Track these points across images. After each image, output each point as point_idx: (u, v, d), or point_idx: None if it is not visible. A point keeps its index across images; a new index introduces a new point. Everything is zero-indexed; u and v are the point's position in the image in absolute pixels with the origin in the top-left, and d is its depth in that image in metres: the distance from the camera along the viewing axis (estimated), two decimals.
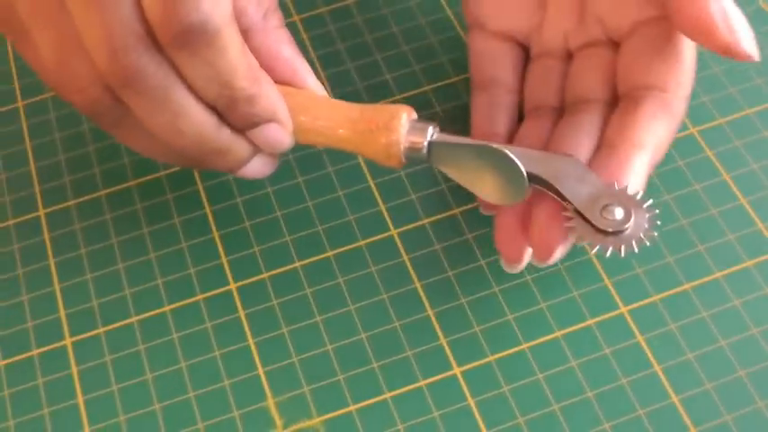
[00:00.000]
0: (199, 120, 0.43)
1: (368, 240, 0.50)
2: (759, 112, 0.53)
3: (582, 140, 0.46)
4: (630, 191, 0.44)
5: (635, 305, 0.47)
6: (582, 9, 0.49)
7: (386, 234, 0.50)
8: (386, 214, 0.50)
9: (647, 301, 0.47)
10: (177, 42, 0.40)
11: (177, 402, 0.46)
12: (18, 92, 0.56)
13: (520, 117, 0.50)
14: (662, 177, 0.50)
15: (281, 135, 0.45)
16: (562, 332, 0.46)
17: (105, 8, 0.40)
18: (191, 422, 0.45)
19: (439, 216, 0.50)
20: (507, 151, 0.43)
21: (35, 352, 0.47)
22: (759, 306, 0.47)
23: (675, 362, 0.45)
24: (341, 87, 0.55)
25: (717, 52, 0.43)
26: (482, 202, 0.47)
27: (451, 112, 0.53)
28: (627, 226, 0.43)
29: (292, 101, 0.45)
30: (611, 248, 0.43)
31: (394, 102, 0.54)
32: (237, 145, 0.45)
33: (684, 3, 0.44)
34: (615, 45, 0.49)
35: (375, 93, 0.54)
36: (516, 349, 0.46)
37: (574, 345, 0.46)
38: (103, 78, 0.42)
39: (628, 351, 0.46)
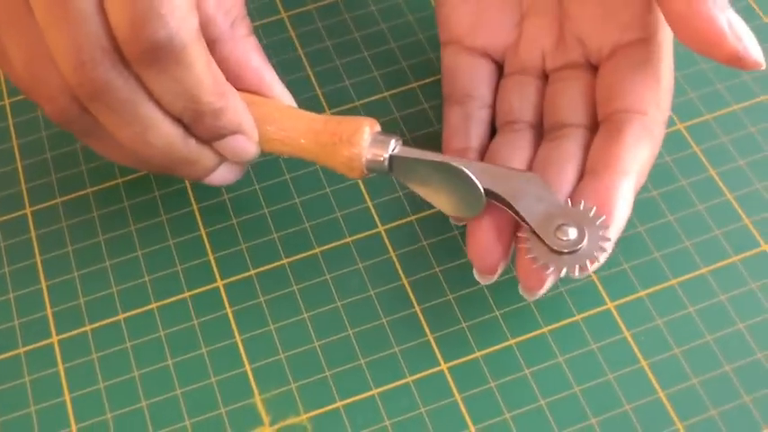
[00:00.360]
0: (166, 132, 0.44)
1: (355, 237, 0.50)
2: (746, 108, 0.53)
3: (566, 168, 0.45)
4: (586, 209, 0.43)
5: (622, 300, 0.47)
6: (561, 29, 0.49)
7: (373, 231, 0.50)
8: (373, 211, 0.50)
9: (633, 296, 0.47)
10: (144, 59, 0.41)
11: (164, 399, 0.46)
12: (4, 89, 0.56)
13: (492, 132, 0.50)
14: (649, 173, 0.50)
15: (246, 146, 0.46)
16: (549, 328, 0.46)
17: (72, 22, 0.40)
18: (178, 419, 0.45)
19: (426, 213, 0.50)
20: (465, 169, 0.44)
21: (22, 350, 0.47)
22: (745, 301, 0.47)
23: (662, 357, 0.45)
24: (329, 84, 0.55)
25: (724, 63, 0.43)
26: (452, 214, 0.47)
27: (440, 108, 0.53)
28: (580, 246, 0.43)
29: (258, 111, 0.46)
30: (564, 269, 0.43)
31: (383, 99, 0.54)
32: (204, 155, 0.46)
33: (689, 15, 0.43)
34: (593, 68, 0.48)
35: (363, 90, 0.54)
36: (503, 345, 0.46)
37: (561, 340, 0.46)
38: (71, 90, 0.42)
39: (614, 346, 0.46)
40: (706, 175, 0.50)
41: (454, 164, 0.44)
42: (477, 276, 0.45)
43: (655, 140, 0.46)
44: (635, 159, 0.45)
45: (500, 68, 0.51)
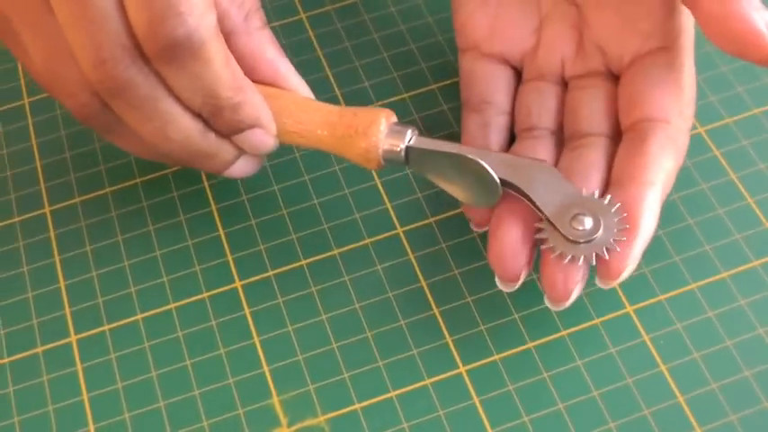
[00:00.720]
0: (185, 126, 0.44)
1: (374, 239, 0.50)
2: (767, 111, 0.52)
3: (590, 177, 0.45)
4: (600, 198, 0.44)
5: (641, 304, 0.47)
6: (580, 36, 0.49)
7: (392, 232, 0.50)
8: (392, 212, 0.50)
9: (653, 300, 0.47)
10: (163, 56, 0.41)
11: (182, 400, 0.46)
12: (24, 89, 0.56)
13: (511, 140, 0.49)
14: None
15: (264, 138, 0.46)
16: (568, 331, 0.46)
17: (92, 20, 0.41)
18: (195, 420, 0.45)
19: (445, 215, 0.50)
20: (481, 161, 0.44)
21: (40, 349, 0.47)
22: (765, 306, 0.46)
23: (681, 361, 0.45)
24: (348, 85, 0.55)
25: (760, 64, 0.42)
26: (473, 217, 0.46)
27: (459, 110, 0.53)
28: (596, 235, 0.43)
29: (275, 103, 0.46)
30: (582, 257, 0.43)
31: (402, 100, 0.54)
32: (223, 149, 0.46)
33: (723, 16, 0.42)
34: (613, 76, 0.48)
35: (382, 91, 0.54)
36: (522, 348, 0.46)
37: (580, 344, 0.46)
38: (92, 87, 0.42)
39: (633, 350, 0.46)
40: (726, 179, 0.50)
41: (470, 155, 0.44)
42: (499, 284, 0.45)
43: (679, 150, 0.45)
44: (660, 169, 0.44)
45: (518, 75, 0.51)
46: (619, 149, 0.46)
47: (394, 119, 0.45)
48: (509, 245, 0.44)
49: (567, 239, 0.43)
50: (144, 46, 0.41)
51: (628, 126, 0.46)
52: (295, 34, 0.57)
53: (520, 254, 0.44)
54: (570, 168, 0.46)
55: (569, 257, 0.43)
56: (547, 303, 0.44)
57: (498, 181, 0.44)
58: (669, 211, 0.49)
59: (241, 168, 0.48)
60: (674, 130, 0.45)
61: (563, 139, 0.48)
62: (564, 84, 0.49)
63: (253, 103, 0.45)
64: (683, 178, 0.50)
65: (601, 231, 0.43)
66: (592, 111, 0.47)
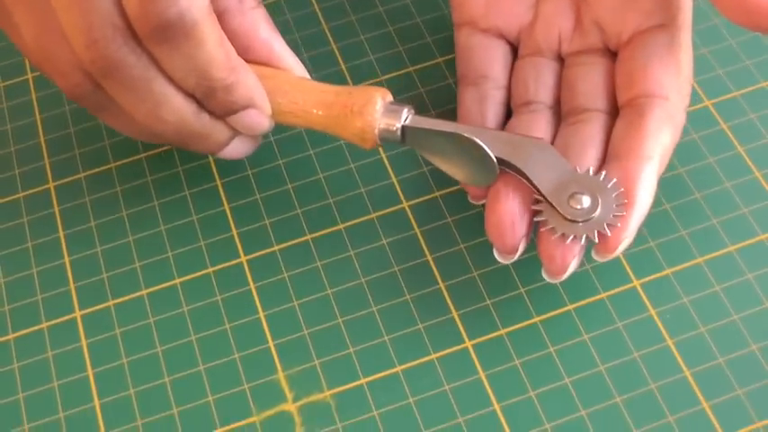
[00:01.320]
0: (178, 107, 0.44)
1: (379, 213, 0.49)
2: None
3: (587, 152, 0.45)
4: (598, 175, 0.43)
5: (648, 278, 0.47)
6: (578, 12, 0.49)
7: (397, 207, 0.50)
8: (397, 187, 0.50)
9: (659, 274, 0.47)
10: (155, 36, 0.41)
11: (187, 375, 0.46)
12: (27, 64, 0.56)
13: (508, 115, 0.49)
14: (676, 150, 0.50)
15: (259, 119, 0.46)
16: (574, 305, 0.46)
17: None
18: (201, 395, 0.45)
19: (451, 189, 0.50)
20: (477, 139, 0.44)
21: (45, 325, 0.47)
22: None
23: (688, 335, 0.45)
24: (353, 59, 0.54)
25: None
26: (469, 192, 0.46)
27: None
28: (594, 213, 0.42)
29: (270, 83, 0.46)
30: (584, 236, 0.42)
31: (407, 74, 0.54)
32: (217, 129, 0.46)
33: None
34: (611, 53, 0.48)
35: (387, 64, 0.54)
36: (528, 323, 0.46)
37: (586, 318, 0.46)
38: (84, 66, 0.42)
39: (640, 325, 0.46)
40: (734, 153, 0.50)
41: (466, 134, 0.44)
42: (497, 256, 0.45)
43: (676, 126, 0.45)
44: (657, 144, 0.44)
45: (515, 50, 0.50)
46: (616, 124, 0.46)
47: (390, 98, 0.45)
48: (506, 216, 0.44)
49: (566, 219, 0.43)
50: (135, 26, 0.41)
51: (625, 102, 0.46)
52: (300, 8, 0.57)
53: (518, 225, 0.44)
54: (567, 143, 0.46)
55: (570, 237, 0.42)
56: (544, 276, 0.44)
57: (495, 159, 0.44)
58: (676, 185, 0.49)
59: (236, 149, 0.48)
60: (672, 106, 0.45)
61: (560, 114, 0.48)
62: (561, 60, 0.49)
63: (246, 83, 0.44)
64: (690, 151, 0.50)
65: (599, 209, 0.43)
66: (589, 86, 0.47)
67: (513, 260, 0.45)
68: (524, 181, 0.44)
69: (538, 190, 0.43)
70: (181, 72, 0.43)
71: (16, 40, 0.44)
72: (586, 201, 0.43)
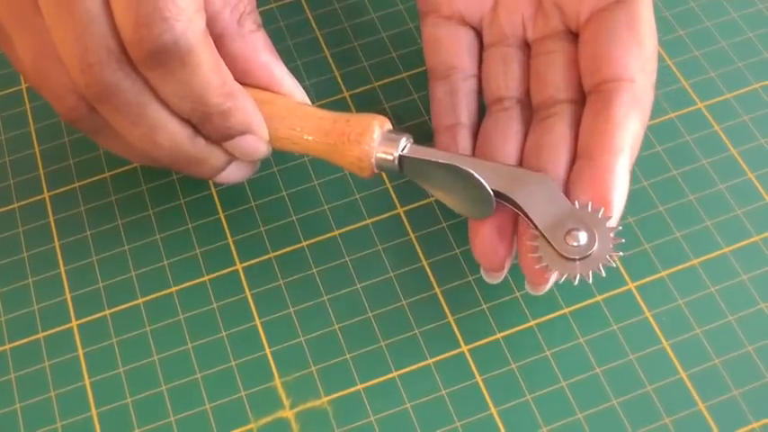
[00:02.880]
0: (174, 132, 0.44)
1: (374, 219, 0.49)
2: (766, 86, 0.52)
3: (559, 153, 0.45)
4: (595, 210, 0.43)
5: (643, 281, 0.47)
6: None
7: (392, 212, 0.50)
8: (392, 192, 0.50)
9: (654, 276, 0.47)
10: (150, 61, 0.41)
11: (184, 383, 0.46)
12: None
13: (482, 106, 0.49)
14: (669, 153, 0.50)
15: (256, 145, 0.45)
16: (570, 309, 0.46)
17: (79, 23, 0.40)
18: (198, 403, 0.45)
19: None
20: (474, 172, 0.43)
21: (41, 335, 0.47)
22: (767, 281, 0.46)
23: (683, 337, 0.45)
24: (346, 66, 0.55)
25: None
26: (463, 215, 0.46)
27: None
28: (591, 251, 0.42)
29: (268, 108, 0.45)
30: (578, 275, 0.42)
31: (401, 80, 0.54)
32: (213, 155, 0.46)
33: None
34: (574, 36, 0.48)
35: (380, 71, 0.54)
36: (524, 326, 0.46)
37: (582, 321, 0.46)
38: (79, 90, 0.42)
39: (636, 327, 0.46)
40: (727, 154, 0.50)
41: (463, 166, 0.43)
42: (484, 276, 0.45)
43: (643, 109, 0.45)
44: (627, 134, 0.44)
45: (481, 38, 0.50)
46: (584, 113, 0.45)
47: (388, 126, 0.45)
48: (490, 237, 0.44)
49: (561, 256, 0.42)
50: (130, 50, 0.41)
51: (591, 88, 0.46)
52: (293, 15, 0.57)
53: (501, 245, 0.44)
54: (539, 144, 0.45)
55: (563, 276, 0.42)
56: (527, 288, 0.44)
57: (492, 193, 0.43)
58: (669, 187, 0.49)
59: (233, 174, 0.47)
60: (637, 88, 0.45)
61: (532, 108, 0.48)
62: (528, 47, 0.49)
63: (244, 108, 0.44)
64: (684, 154, 0.50)
65: (596, 246, 0.42)
66: (556, 76, 0.47)
67: (500, 279, 0.45)
68: (521, 215, 0.44)
69: (534, 225, 0.43)
70: (176, 97, 0.42)
71: (14, 62, 0.44)
72: (583, 237, 0.42)
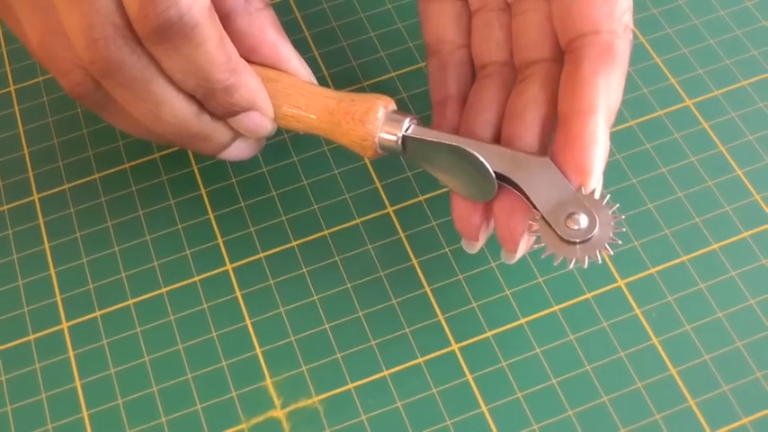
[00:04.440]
0: (179, 108, 0.44)
1: (364, 218, 0.50)
2: (755, 83, 0.52)
3: (527, 118, 0.44)
4: (597, 195, 0.42)
5: (632, 278, 0.47)
6: None
7: (382, 212, 0.50)
8: (382, 192, 0.50)
9: (644, 273, 0.47)
10: (155, 37, 0.41)
11: (175, 384, 0.46)
12: (10, 76, 0.56)
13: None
14: (658, 150, 0.50)
15: (261, 122, 0.45)
16: (560, 306, 0.46)
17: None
18: (189, 404, 0.45)
19: (435, 193, 0.50)
20: (478, 154, 0.43)
21: (32, 337, 0.47)
22: (756, 277, 0.46)
23: (673, 334, 0.45)
24: (335, 65, 0.55)
25: None
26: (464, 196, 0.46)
27: None
28: (591, 235, 0.42)
29: (273, 86, 0.45)
30: (574, 259, 0.42)
31: (390, 79, 0.54)
32: (218, 131, 0.46)
33: None
34: None
35: (370, 70, 0.54)
36: (514, 324, 0.46)
37: (571, 319, 0.46)
38: (84, 66, 0.42)
39: (625, 324, 0.46)
40: (716, 151, 0.50)
41: (467, 148, 0.43)
42: (464, 245, 0.45)
43: (618, 57, 0.44)
44: (600, 91, 0.43)
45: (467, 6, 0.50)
46: (561, 76, 0.45)
47: (393, 106, 0.45)
48: (463, 208, 0.44)
49: (562, 239, 0.42)
50: (135, 26, 0.41)
51: (565, 47, 0.45)
52: (282, 15, 0.57)
53: (473, 216, 0.44)
54: (511, 109, 0.45)
55: (560, 259, 0.42)
56: (502, 258, 0.44)
57: (494, 175, 0.43)
58: (659, 184, 0.49)
59: (239, 151, 0.48)
60: (605, 39, 0.44)
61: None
62: (509, 9, 0.48)
63: (248, 85, 0.44)
64: (673, 151, 0.50)
65: (596, 230, 0.42)
66: (533, 36, 0.46)
67: (477, 248, 0.45)
68: (524, 199, 0.43)
69: (536, 208, 0.42)
70: (181, 73, 0.42)
71: (22, 39, 0.44)
72: (584, 221, 0.42)
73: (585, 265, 0.42)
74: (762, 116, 0.51)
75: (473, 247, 0.45)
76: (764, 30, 0.54)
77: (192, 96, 0.44)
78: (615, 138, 0.51)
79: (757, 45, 0.54)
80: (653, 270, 0.47)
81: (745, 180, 0.49)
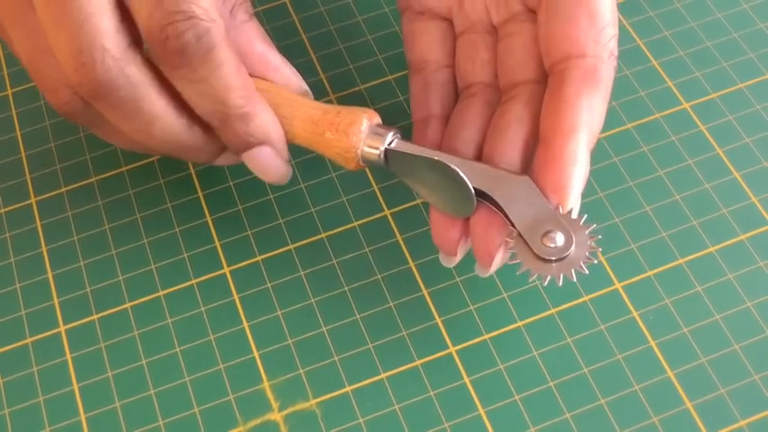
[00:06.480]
0: (169, 124, 0.44)
1: (361, 221, 0.50)
2: (752, 86, 0.52)
3: (510, 137, 0.44)
4: (575, 215, 0.43)
5: (629, 281, 0.47)
6: None
7: (379, 215, 0.50)
8: (379, 195, 0.50)
9: (641, 276, 0.47)
10: (173, 59, 0.41)
11: (172, 387, 0.46)
12: (7, 80, 0.56)
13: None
14: (655, 152, 0.50)
15: (273, 161, 0.46)
16: (557, 309, 0.46)
17: (73, 23, 0.40)
18: (187, 407, 0.45)
19: None
20: (458, 170, 0.43)
21: (29, 340, 0.47)
22: (753, 279, 0.47)
23: (670, 336, 0.45)
24: (332, 69, 0.55)
25: None
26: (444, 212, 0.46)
27: None
28: (567, 253, 0.42)
29: (262, 97, 0.45)
30: (549, 277, 0.42)
31: (387, 82, 0.54)
32: (209, 144, 0.46)
33: None
34: (535, 16, 0.47)
35: (367, 73, 0.54)
36: (511, 327, 0.46)
37: (569, 322, 0.46)
38: (73, 87, 0.42)
39: (623, 327, 0.46)
40: (713, 154, 0.50)
41: (449, 163, 0.43)
42: (441, 259, 0.45)
43: (602, 81, 0.44)
44: (579, 113, 0.43)
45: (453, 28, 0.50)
46: (544, 98, 0.45)
47: (377, 120, 0.45)
48: (441, 223, 0.44)
49: (537, 257, 0.42)
50: (151, 49, 0.41)
51: (549, 69, 0.45)
52: (279, 18, 0.57)
53: (451, 231, 0.44)
54: (494, 128, 0.45)
55: (535, 276, 0.42)
56: (477, 272, 0.45)
57: (473, 192, 0.43)
58: (656, 187, 0.49)
59: (232, 158, 0.48)
60: (589, 63, 0.44)
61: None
62: (495, 32, 0.49)
63: (263, 115, 0.44)
64: (669, 154, 0.50)
65: (572, 249, 0.42)
66: (515, 59, 0.47)
67: (455, 262, 0.45)
68: (501, 215, 0.43)
69: (513, 225, 0.43)
70: (197, 96, 0.43)
71: (14, 53, 0.45)
72: (560, 239, 0.42)
73: (560, 284, 0.42)
74: (759, 119, 0.51)
75: (451, 262, 0.45)
76: (761, 32, 0.54)
77: (183, 110, 0.44)
78: (612, 140, 0.51)
79: (754, 48, 0.54)
80: (650, 273, 0.47)
81: (742, 183, 0.49)
